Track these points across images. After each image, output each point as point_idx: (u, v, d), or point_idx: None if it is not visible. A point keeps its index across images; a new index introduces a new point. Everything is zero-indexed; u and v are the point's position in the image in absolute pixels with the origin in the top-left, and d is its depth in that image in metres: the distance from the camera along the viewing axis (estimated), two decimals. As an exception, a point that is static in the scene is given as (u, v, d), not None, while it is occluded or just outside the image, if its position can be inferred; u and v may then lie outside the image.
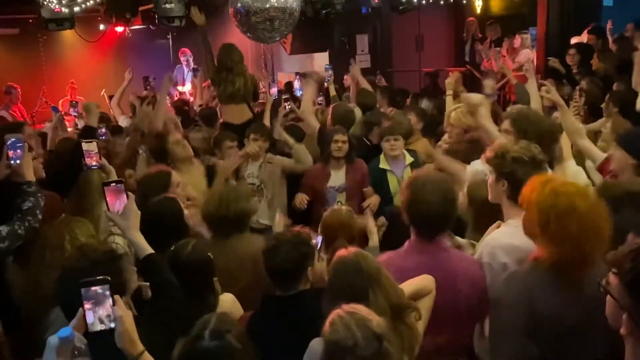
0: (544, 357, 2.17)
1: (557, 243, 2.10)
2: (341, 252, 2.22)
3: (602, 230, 2.07)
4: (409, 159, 4.50)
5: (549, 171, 2.87)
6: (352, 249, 2.25)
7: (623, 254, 1.61)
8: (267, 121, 5.36)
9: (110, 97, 7.04)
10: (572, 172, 3.47)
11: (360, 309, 1.80)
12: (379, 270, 2.14)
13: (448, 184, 2.56)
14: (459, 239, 2.97)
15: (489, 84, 4.52)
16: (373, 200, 4.37)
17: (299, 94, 6.38)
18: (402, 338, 2.06)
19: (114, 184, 2.35)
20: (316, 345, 2.04)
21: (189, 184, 3.78)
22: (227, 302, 2.65)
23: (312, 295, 2.44)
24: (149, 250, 2.27)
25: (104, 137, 4.90)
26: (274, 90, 5.94)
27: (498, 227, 2.72)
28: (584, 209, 2.07)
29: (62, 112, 7.83)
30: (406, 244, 2.57)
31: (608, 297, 1.60)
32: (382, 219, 3.94)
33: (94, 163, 3.15)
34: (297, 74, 7.59)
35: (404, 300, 2.14)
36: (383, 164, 4.52)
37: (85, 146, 3.15)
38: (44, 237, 2.74)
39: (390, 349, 1.73)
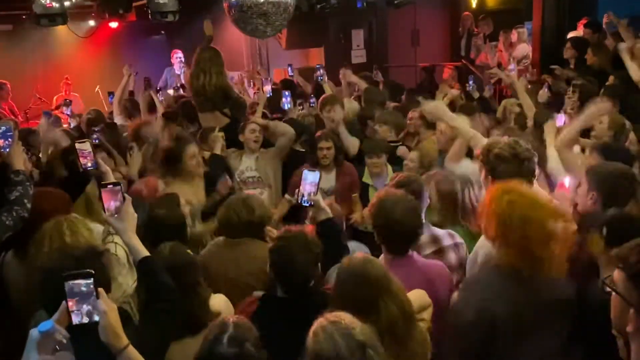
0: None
1: (513, 249, 2.13)
2: (347, 258, 2.22)
3: (556, 238, 2.11)
4: (391, 174, 4.40)
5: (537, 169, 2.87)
6: (360, 254, 2.25)
7: (628, 248, 1.59)
8: (258, 117, 5.24)
9: (110, 94, 6.99)
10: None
11: (344, 317, 1.77)
12: (387, 276, 2.14)
13: (414, 202, 2.67)
14: (436, 229, 2.97)
15: (443, 89, 4.70)
16: (358, 218, 4.37)
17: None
18: (416, 344, 2.08)
19: (111, 185, 2.33)
20: None
21: (191, 196, 3.79)
22: (219, 303, 2.62)
23: (314, 297, 2.42)
24: (145, 252, 2.25)
25: (97, 140, 4.87)
26: (268, 88, 5.86)
27: None
28: (538, 220, 2.10)
29: (54, 108, 7.82)
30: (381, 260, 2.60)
31: (613, 295, 1.58)
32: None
33: (89, 164, 3.13)
34: (289, 65, 7.54)
35: (412, 307, 2.14)
36: (366, 178, 4.54)
37: (78, 146, 3.12)
38: (37, 236, 2.71)
39: (375, 356, 1.71)
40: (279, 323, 2.34)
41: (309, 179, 2.84)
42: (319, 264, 2.47)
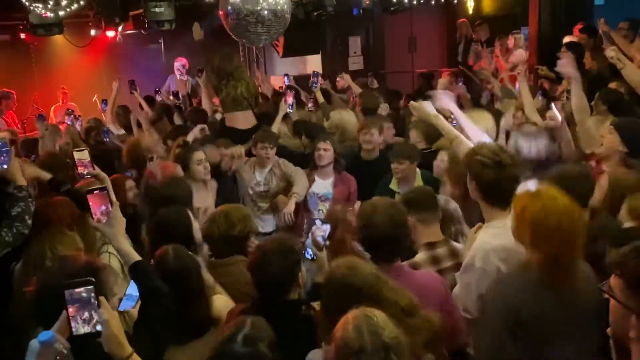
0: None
1: (546, 254, 2.14)
2: (335, 265, 2.21)
3: (581, 242, 2.16)
4: (419, 180, 4.31)
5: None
6: (345, 260, 2.23)
7: (624, 253, 1.57)
8: (276, 127, 5.26)
9: (103, 102, 7.05)
10: None
11: (378, 314, 1.78)
12: (377, 282, 2.12)
13: (397, 208, 2.63)
14: (455, 244, 2.95)
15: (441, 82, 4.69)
16: None
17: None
18: (421, 333, 2.05)
19: (97, 190, 2.31)
20: (314, 356, 2.02)
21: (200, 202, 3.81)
22: (221, 304, 2.63)
23: (300, 305, 2.43)
24: (136, 257, 2.24)
25: (108, 139, 4.89)
26: (290, 100, 5.81)
27: (479, 228, 2.71)
28: (569, 226, 2.13)
29: (57, 121, 7.81)
30: None
31: (612, 302, 1.56)
32: None
33: (86, 172, 3.12)
34: (285, 75, 7.54)
35: (414, 299, 2.13)
36: (393, 185, 4.38)
37: (77, 155, 3.12)
38: (26, 254, 2.70)
39: None
40: None
41: (318, 232, 2.79)
42: (300, 276, 2.46)
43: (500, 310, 2.19)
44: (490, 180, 2.59)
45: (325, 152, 4.44)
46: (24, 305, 2.63)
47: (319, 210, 4.34)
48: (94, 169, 3.17)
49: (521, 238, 2.27)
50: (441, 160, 4.01)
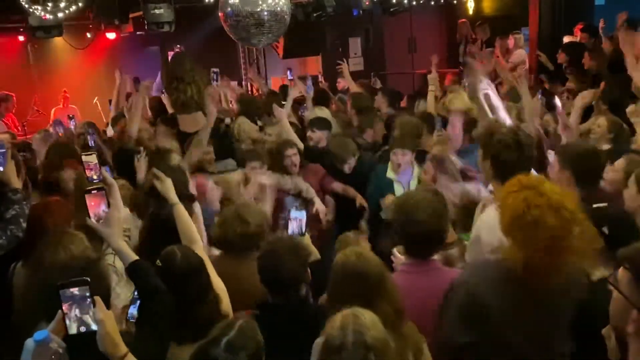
0: (473, 346, 2.05)
1: (519, 249, 1.99)
2: (343, 254, 2.21)
3: (572, 246, 1.94)
4: (417, 169, 4.27)
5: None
6: (354, 249, 2.24)
7: (635, 249, 1.57)
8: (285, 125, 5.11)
9: (110, 102, 7.05)
10: None
11: (368, 315, 1.79)
12: (384, 273, 2.13)
13: (439, 201, 2.57)
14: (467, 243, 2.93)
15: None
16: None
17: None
18: (407, 340, 2.07)
19: (95, 190, 2.33)
20: (317, 344, 2.03)
21: None
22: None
23: (307, 305, 2.46)
24: (134, 257, 2.24)
25: (93, 142, 4.84)
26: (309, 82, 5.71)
27: (484, 206, 2.70)
28: (552, 224, 1.93)
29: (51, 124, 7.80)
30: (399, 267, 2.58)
31: (615, 294, 1.56)
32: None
33: (95, 176, 3.11)
34: (289, 69, 7.55)
35: (402, 305, 2.13)
36: (390, 173, 4.33)
37: (84, 158, 3.11)
38: (40, 248, 2.68)
39: None
40: (273, 331, 2.32)
41: (297, 217, 2.82)
42: (309, 273, 2.46)
43: (465, 306, 2.04)
44: (509, 160, 2.52)
45: (295, 156, 4.39)
46: (27, 306, 2.65)
47: (295, 206, 4.29)
48: (100, 173, 3.16)
49: (503, 227, 2.10)
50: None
